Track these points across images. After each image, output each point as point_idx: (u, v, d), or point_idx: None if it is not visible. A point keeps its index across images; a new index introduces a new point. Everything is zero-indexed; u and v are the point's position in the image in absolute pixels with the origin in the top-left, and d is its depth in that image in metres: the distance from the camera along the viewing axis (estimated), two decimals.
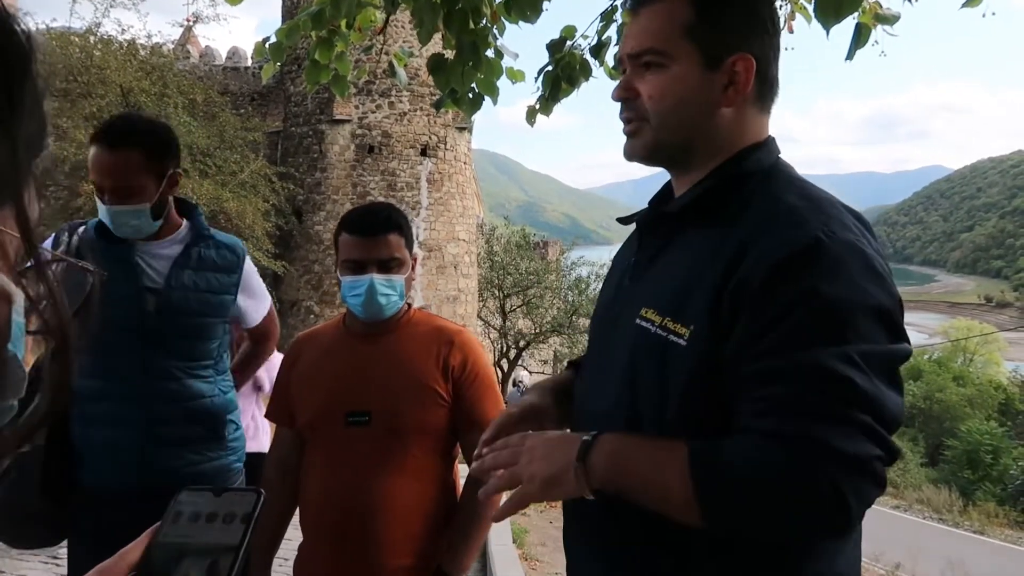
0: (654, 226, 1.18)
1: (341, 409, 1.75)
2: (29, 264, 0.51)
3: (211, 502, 0.62)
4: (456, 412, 1.78)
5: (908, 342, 0.97)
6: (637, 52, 1.10)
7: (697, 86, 1.07)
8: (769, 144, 1.12)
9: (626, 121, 1.13)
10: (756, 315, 0.93)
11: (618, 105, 1.15)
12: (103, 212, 1.83)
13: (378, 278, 1.72)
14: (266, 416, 2.00)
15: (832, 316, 0.91)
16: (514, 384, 15.45)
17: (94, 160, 1.80)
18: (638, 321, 1.07)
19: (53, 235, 1.93)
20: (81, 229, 1.94)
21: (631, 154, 1.15)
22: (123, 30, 14.89)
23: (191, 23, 17.29)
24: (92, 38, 14.28)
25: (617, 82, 1.15)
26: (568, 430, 1.22)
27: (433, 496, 1.78)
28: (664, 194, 1.24)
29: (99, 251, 1.90)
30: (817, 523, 0.90)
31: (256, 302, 2.13)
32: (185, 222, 1.98)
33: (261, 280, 2.18)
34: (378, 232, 1.74)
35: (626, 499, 0.99)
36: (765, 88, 1.11)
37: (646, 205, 1.27)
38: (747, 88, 1.07)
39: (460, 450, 1.87)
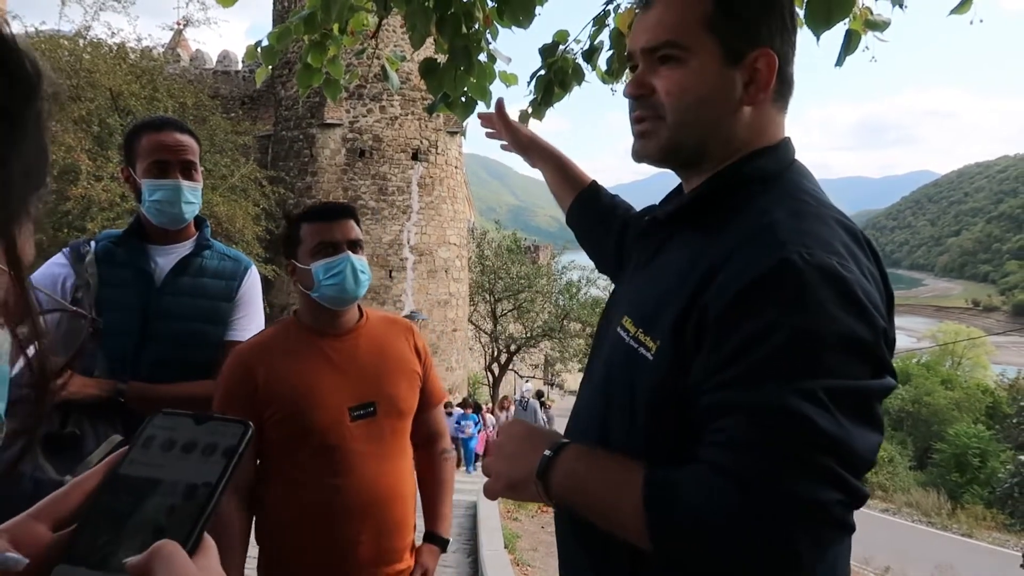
0: (649, 231, 1.14)
1: (342, 405, 1.77)
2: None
3: (190, 430, 0.54)
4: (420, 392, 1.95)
5: (893, 375, 0.90)
6: (653, 46, 1.01)
7: (718, 82, 0.99)
8: (781, 147, 1.04)
9: (637, 120, 1.06)
10: (719, 343, 0.87)
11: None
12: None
13: (353, 256, 1.80)
14: None
15: (796, 349, 0.83)
16: (520, 400, 14.89)
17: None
18: (617, 328, 1.04)
19: (67, 248, 1.92)
20: (94, 243, 1.95)
21: (642, 155, 1.07)
22: (113, 33, 14.84)
23: (181, 26, 17.19)
24: (81, 41, 14.20)
25: (629, 80, 1.07)
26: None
27: (411, 470, 1.93)
28: (673, 196, 1.19)
29: (117, 256, 1.92)
30: (767, 565, 0.84)
31: (249, 319, 2.04)
32: (197, 233, 2.04)
33: (261, 308, 2.11)
34: (344, 216, 1.83)
35: (583, 517, 0.97)
36: (784, 87, 1.04)
37: (638, 209, 1.26)
38: (769, 86, 1.00)
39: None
